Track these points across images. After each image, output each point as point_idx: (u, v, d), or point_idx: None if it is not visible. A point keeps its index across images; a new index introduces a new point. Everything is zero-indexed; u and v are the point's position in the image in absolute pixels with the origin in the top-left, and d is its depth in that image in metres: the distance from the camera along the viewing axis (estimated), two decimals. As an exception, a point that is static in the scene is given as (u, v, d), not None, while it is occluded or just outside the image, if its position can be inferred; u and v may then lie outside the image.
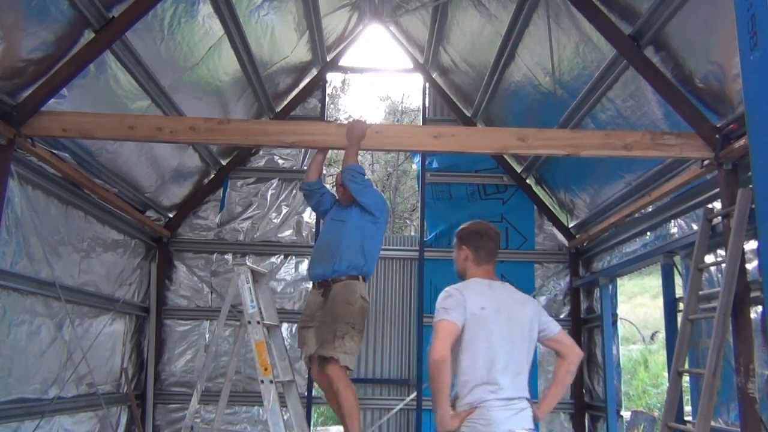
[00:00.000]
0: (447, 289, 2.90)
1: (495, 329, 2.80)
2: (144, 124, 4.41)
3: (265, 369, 4.24)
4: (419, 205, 7.67)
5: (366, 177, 4.47)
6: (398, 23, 7.54)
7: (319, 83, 7.57)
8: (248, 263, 4.60)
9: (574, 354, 2.97)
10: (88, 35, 4.19)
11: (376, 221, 4.37)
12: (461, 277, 3.09)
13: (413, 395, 6.99)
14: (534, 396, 2.94)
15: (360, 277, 4.31)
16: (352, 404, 4.15)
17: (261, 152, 7.38)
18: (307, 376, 6.76)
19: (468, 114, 7.45)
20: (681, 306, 4.83)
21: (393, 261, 7.47)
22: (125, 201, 5.90)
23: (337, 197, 4.66)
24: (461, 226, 3.15)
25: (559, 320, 7.02)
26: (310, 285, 7.04)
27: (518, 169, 7.36)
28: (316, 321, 4.27)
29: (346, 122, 4.75)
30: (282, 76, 6.94)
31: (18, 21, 3.72)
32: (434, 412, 2.77)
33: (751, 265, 3.95)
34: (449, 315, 2.77)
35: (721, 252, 4.34)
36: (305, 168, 7.34)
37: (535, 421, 2.85)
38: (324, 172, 7.67)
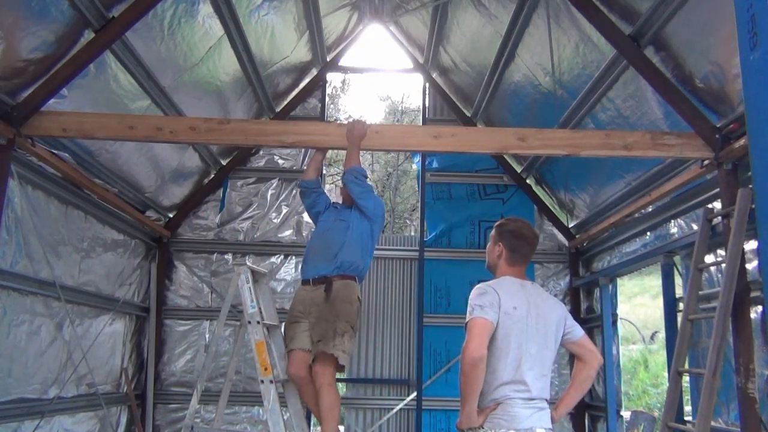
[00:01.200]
0: (480, 285, 2.87)
1: (525, 330, 2.81)
2: (144, 124, 4.41)
3: (265, 369, 4.24)
4: (419, 205, 7.67)
5: (368, 181, 4.48)
6: (398, 23, 7.54)
7: (319, 83, 7.57)
8: (248, 263, 4.60)
9: (596, 359, 2.98)
10: (88, 35, 4.19)
11: (373, 225, 4.41)
12: (490, 270, 3.09)
13: (413, 395, 6.99)
14: None
15: (356, 278, 4.35)
16: (332, 405, 4.08)
17: (261, 152, 7.37)
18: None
19: (468, 114, 7.45)
20: (681, 306, 4.82)
21: (393, 261, 7.47)
22: (125, 201, 5.90)
23: (333, 200, 4.69)
24: (501, 221, 3.15)
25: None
26: (310, 285, 7.08)
27: (518, 169, 7.36)
28: (313, 317, 4.23)
29: (346, 122, 4.76)
30: (282, 76, 6.94)
31: (18, 21, 3.72)
32: (461, 407, 2.77)
33: (751, 265, 3.95)
34: (485, 313, 2.76)
35: (721, 252, 4.33)
36: (305, 168, 7.35)
37: (552, 422, 2.86)
38: (324, 172, 7.69)
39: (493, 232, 3.12)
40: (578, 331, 3.00)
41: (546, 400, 2.85)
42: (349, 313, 4.19)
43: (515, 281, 2.94)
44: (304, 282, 4.44)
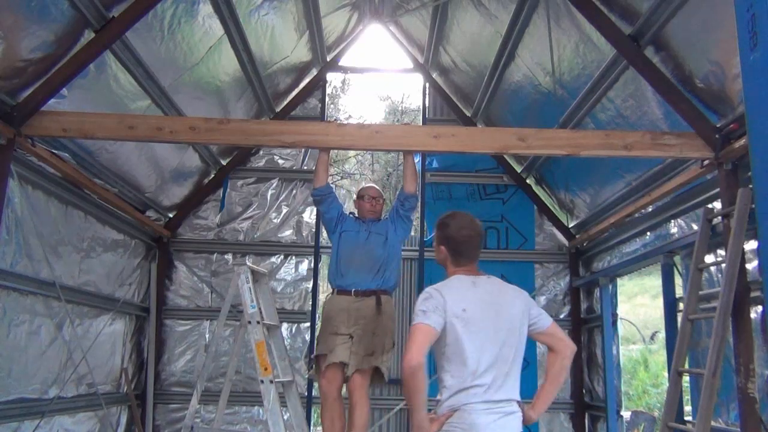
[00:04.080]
0: (427, 289, 2.77)
1: (479, 330, 2.65)
2: (144, 124, 4.40)
3: (265, 369, 4.25)
4: (419, 205, 7.66)
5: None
6: (398, 23, 7.54)
7: (319, 83, 7.57)
8: (248, 263, 4.61)
9: (567, 348, 2.80)
10: (88, 35, 4.19)
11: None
12: (444, 266, 2.99)
13: (413, 395, 6.97)
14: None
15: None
16: (366, 419, 4.11)
17: (261, 152, 7.37)
18: (306, 376, 6.76)
19: (468, 114, 7.45)
20: (681, 306, 4.83)
21: (393, 261, 7.46)
22: (125, 201, 5.90)
23: (347, 209, 4.72)
24: (441, 219, 2.96)
25: (559, 320, 7.04)
26: (310, 285, 7.08)
27: (518, 169, 7.36)
28: (359, 329, 4.18)
29: (345, 122, 4.80)
30: (282, 76, 6.94)
31: (18, 21, 3.72)
32: (411, 418, 2.63)
33: (751, 265, 3.95)
34: (427, 318, 2.62)
35: (721, 252, 4.34)
36: (305, 168, 7.36)
37: (528, 423, 2.69)
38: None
39: (435, 231, 2.99)
40: (545, 321, 2.82)
41: (516, 401, 2.68)
42: (393, 330, 4.31)
43: (466, 279, 2.81)
44: (342, 291, 4.34)
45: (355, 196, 4.99)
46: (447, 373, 2.65)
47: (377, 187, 4.89)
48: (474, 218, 2.94)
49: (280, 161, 7.41)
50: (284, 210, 7.29)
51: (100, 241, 5.62)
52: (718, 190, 4.30)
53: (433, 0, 6.08)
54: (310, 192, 4.79)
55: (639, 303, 16.32)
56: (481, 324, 2.67)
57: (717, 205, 4.37)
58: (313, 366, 4.40)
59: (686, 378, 4.65)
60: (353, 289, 4.29)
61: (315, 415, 7.67)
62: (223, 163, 7.18)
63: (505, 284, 2.88)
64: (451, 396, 2.61)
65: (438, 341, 2.65)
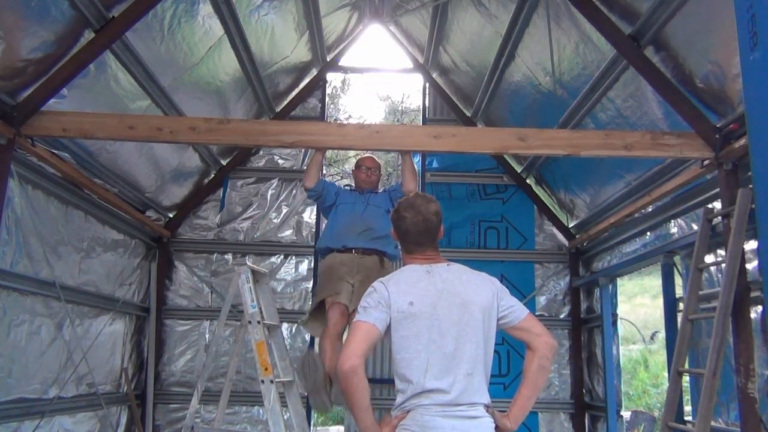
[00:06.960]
0: (374, 282, 2.50)
1: (432, 326, 2.35)
2: (144, 124, 4.41)
3: (266, 369, 4.25)
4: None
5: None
6: (398, 23, 7.54)
7: (319, 83, 7.57)
8: (248, 263, 4.61)
9: (545, 345, 2.42)
10: (88, 35, 4.19)
11: None
12: None
13: (413, 395, 6.97)
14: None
15: None
16: None
17: (261, 152, 7.38)
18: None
19: (468, 114, 7.45)
20: (681, 306, 4.83)
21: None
22: (125, 201, 5.90)
23: (353, 180, 4.79)
24: (397, 203, 2.67)
25: (559, 320, 7.06)
26: (310, 285, 7.08)
27: (518, 169, 7.37)
28: (359, 277, 4.24)
29: (345, 122, 4.80)
30: (282, 76, 6.94)
31: (18, 21, 3.72)
32: (357, 426, 2.38)
33: (751, 265, 3.95)
34: (367, 315, 2.35)
35: (721, 252, 4.34)
36: (305, 168, 7.33)
37: (503, 430, 2.38)
38: (324, 172, 7.68)
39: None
40: (519, 313, 2.47)
41: (484, 405, 2.36)
42: None
43: (418, 269, 2.48)
44: (343, 250, 4.39)
45: (353, 166, 5.08)
46: (397, 377, 2.39)
47: (375, 157, 4.91)
48: (428, 201, 2.59)
49: (280, 161, 7.41)
50: (284, 210, 7.29)
51: (100, 241, 5.62)
52: (718, 190, 4.30)
53: (433, 0, 6.08)
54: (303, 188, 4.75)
55: (639, 303, 16.31)
56: (434, 319, 2.36)
57: (717, 205, 4.37)
58: (307, 315, 4.47)
59: (686, 378, 4.65)
60: (354, 248, 4.38)
61: (315, 415, 7.67)
62: (223, 163, 7.18)
63: (470, 271, 2.54)
64: (405, 401, 2.34)
65: (377, 340, 2.39)
